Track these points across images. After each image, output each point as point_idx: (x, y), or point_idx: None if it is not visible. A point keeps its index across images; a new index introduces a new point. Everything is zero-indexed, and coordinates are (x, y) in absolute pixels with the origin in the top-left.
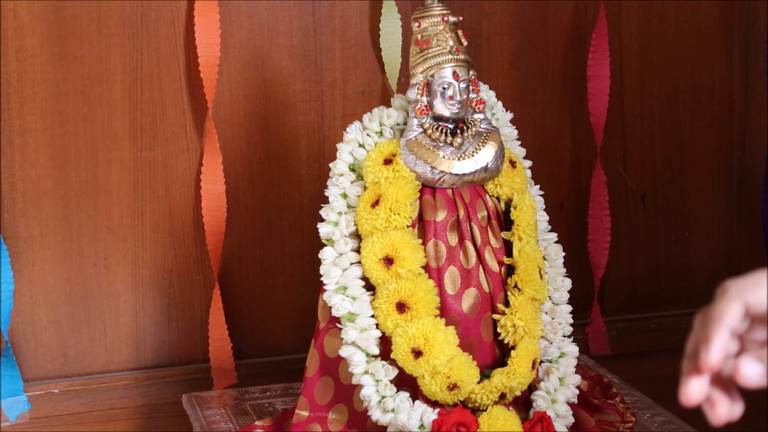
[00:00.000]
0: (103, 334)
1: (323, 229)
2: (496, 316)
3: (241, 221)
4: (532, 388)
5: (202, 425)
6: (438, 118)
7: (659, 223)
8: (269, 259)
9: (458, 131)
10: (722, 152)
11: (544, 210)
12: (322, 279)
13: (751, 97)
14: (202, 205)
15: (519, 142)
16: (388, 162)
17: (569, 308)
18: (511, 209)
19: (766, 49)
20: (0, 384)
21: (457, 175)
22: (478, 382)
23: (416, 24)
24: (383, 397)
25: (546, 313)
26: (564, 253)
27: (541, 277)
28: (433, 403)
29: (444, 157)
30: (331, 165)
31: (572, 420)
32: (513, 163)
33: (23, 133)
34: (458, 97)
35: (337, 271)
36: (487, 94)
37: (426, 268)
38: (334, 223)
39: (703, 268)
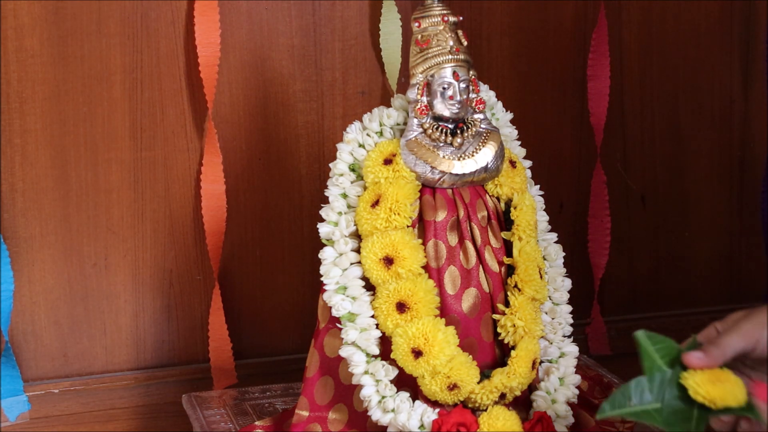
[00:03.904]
0: (103, 334)
1: (323, 229)
2: (496, 316)
3: (241, 221)
4: (532, 388)
5: (202, 425)
6: (438, 118)
7: (659, 223)
8: (269, 259)
9: (458, 131)
10: (722, 152)
11: (544, 210)
12: (322, 279)
13: (751, 97)
14: (202, 205)
15: (519, 142)
16: (388, 162)
17: (569, 308)
18: (511, 209)
19: (766, 49)
20: (0, 384)
21: (457, 175)
22: (478, 382)
23: (416, 24)
24: (383, 397)
25: (546, 313)
26: (564, 253)
27: (541, 277)
28: (433, 403)
29: (444, 157)
30: (331, 165)
31: (572, 420)
32: (513, 163)
33: (23, 133)
34: (458, 97)
35: (337, 271)
36: (487, 94)
37: (426, 268)
38: (334, 223)
39: (703, 268)
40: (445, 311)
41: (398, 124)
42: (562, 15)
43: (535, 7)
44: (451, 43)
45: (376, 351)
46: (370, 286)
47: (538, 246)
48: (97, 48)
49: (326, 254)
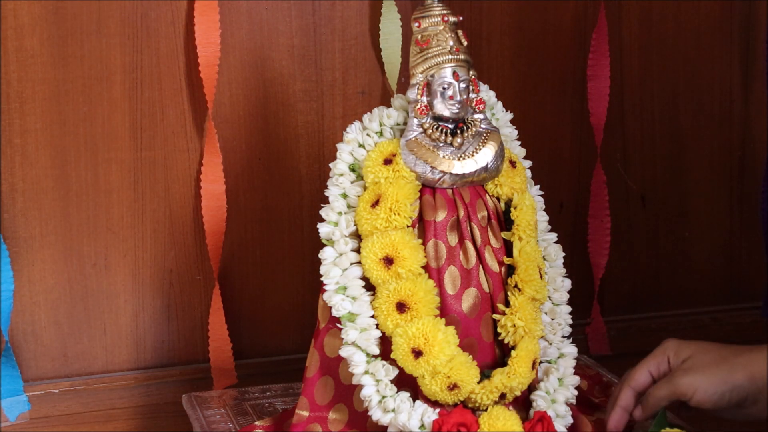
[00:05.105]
0: (103, 334)
1: (323, 229)
2: (496, 316)
3: (241, 221)
4: (532, 388)
5: (202, 425)
6: (438, 118)
7: (659, 223)
8: (269, 259)
9: (458, 131)
10: (722, 152)
11: (544, 210)
12: (322, 279)
13: (751, 97)
14: (202, 205)
15: (519, 142)
16: (388, 162)
17: (569, 309)
18: (511, 209)
19: (766, 49)
20: (0, 384)
21: (457, 175)
22: (478, 382)
23: (416, 24)
24: (383, 397)
25: (546, 314)
26: (564, 253)
27: (541, 277)
28: (434, 403)
29: (444, 157)
30: (331, 165)
31: (571, 420)
32: (513, 163)
33: (23, 133)
34: (458, 97)
35: (337, 271)
36: (487, 94)
37: (426, 268)
38: (334, 223)
39: (703, 268)
40: (445, 311)
41: (398, 124)
42: (562, 15)
43: (535, 7)
44: (451, 43)
45: (376, 351)
46: (370, 286)
47: (538, 246)
48: (97, 48)
49: (326, 254)
